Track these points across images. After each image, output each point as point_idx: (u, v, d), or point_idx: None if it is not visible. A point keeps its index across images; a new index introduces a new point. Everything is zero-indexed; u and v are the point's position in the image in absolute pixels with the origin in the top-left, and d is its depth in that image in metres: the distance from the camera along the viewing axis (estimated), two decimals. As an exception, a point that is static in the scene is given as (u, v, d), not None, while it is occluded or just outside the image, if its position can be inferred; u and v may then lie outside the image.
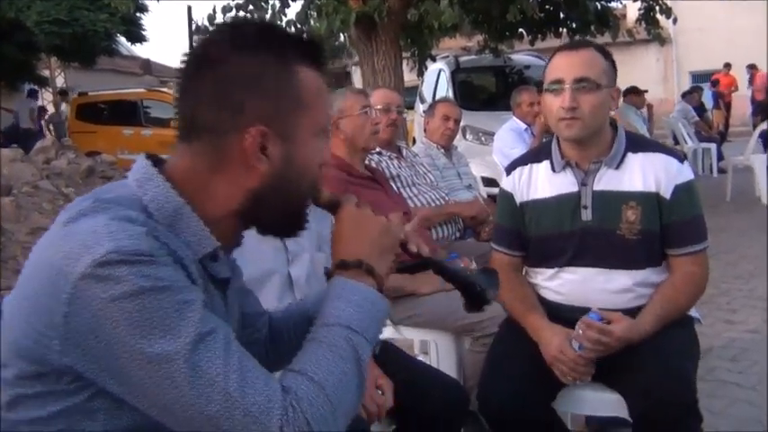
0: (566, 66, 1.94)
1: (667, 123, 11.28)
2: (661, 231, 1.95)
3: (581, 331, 1.88)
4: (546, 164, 2.07)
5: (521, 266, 2.20)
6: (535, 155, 2.15)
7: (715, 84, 15.79)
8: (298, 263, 1.91)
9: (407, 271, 2.58)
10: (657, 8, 9.04)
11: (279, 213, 1.08)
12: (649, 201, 1.94)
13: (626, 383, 1.88)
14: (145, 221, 0.97)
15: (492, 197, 4.71)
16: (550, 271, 2.08)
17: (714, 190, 8.73)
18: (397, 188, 3.22)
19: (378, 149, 3.30)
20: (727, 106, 15.29)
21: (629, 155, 1.98)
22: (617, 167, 1.97)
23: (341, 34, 8.82)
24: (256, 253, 1.82)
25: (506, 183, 2.16)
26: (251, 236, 1.80)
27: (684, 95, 11.54)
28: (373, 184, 2.78)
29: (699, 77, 18.94)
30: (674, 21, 8.90)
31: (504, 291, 2.11)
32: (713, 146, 10.94)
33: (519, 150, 5.13)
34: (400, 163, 3.37)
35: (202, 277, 1.03)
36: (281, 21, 7.84)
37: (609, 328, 1.86)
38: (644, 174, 1.95)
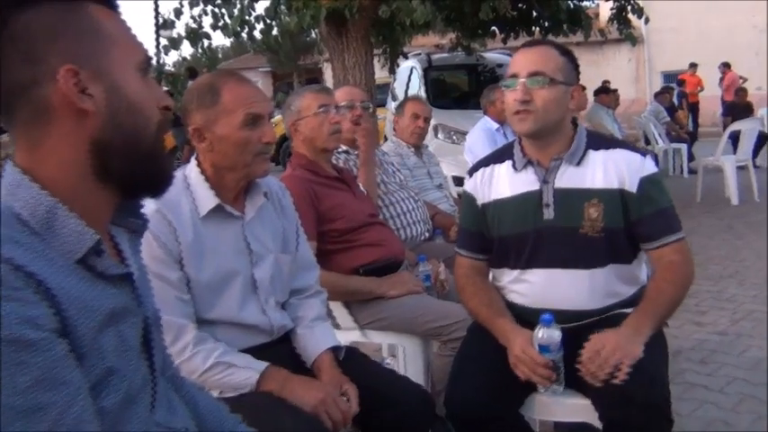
0: (521, 61, 1.97)
1: (639, 123, 11.40)
2: (626, 228, 1.96)
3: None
4: (508, 164, 2.09)
5: (485, 270, 2.19)
6: (498, 156, 2.15)
7: (681, 83, 16.01)
8: (262, 264, 1.89)
9: (375, 273, 2.62)
10: (629, 8, 9.11)
11: (131, 159, 1.01)
12: (612, 197, 1.95)
13: (597, 388, 1.86)
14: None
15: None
16: (514, 272, 2.07)
17: (685, 191, 8.85)
18: (365, 187, 3.20)
19: (345, 148, 3.28)
20: (693, 106, 15.48)
21: (591, 152, 2.00)
22: (578, 164, 1.98)
23: (311, 30, 8.77)
24: (216, 254, 1.80)
25: (468, 185, 2.17)
26: (210, 237, 1.79)
27: (656, 96, 11.68)
28: (340, 184, 2.76)
29: (670, 77, 19.16)
30: (646, 21, 8.98)
31: (470, 296, 2.13)
32: (684, 146, 11.09)
33: (490, 150, 5.14)
34: (368, 162, 3.34)
35: (88, 281, 0.95)
36: (250, 16, 7.77)
37: (602, 355, 1.76)
38: (605, 170, 1.96)
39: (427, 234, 3.42)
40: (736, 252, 5.81)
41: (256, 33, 7.89)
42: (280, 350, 1.90)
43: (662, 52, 22.43)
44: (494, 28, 9.25)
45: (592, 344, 1.79)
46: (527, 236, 2.01)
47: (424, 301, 2.58)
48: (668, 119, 11.02)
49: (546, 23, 8.94)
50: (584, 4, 9.60)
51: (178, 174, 1.86)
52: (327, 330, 2.01)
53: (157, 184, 1.06)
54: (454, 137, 8.05)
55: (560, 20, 8.46)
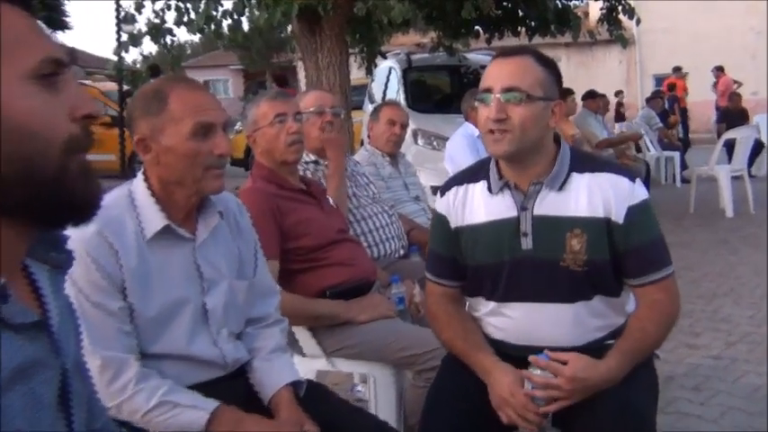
0: (496, 74, 1.87)
1: (630, 129, 11.45)
2: (612, 261, 1.88)
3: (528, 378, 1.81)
4: (483, 185, 1.99)
5: (459, 298, 2.11)
6: (472, 173, 2.05)
7: (672, 88, 16.14)
8: (214, 291, 1.81)
9: (343, 296, 2.55)
10: (620, 8, 9.15)
11: (30, 190, 0.88)
12: (597, 227, 1.86)
13: (579, 426, 1.82)
14: None
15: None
16: (491, 304, 2.00)
17: (677, 201, 8.89)
18: (334, 201, 3.13)
19: (314, 158, 3.21)
20: (684, 112, 15.62)
21: (574, 175, 1.90)
22: (560, 189, 1.89)
23: (283, 27, 8.71)
24: (163, 280, 1.72)
25: (440, 204, 2.06)
26: (157, 261, 1.71)
27: (648, 101, 11.75)
28: (307, 197, 2.70)
29: (662, 81, 19.30)
30: (638, 22, 9.02)
31: (443, 327, 2.06)
32: (677, 154, 11.16)
33: (471, 158, 5.10)
34: (339, 172, 3.28)
35: None
36: (217, 11, 7.69)
37: (558, 366, 1.79)
38: (590, 196, 1.87)
39: (402, 251, 3.36)
40: (731, 268, 5.82)
41: (224, 30, 7.81)
42: (234, 386, 1.83)
43: (654, 54, 22.68)
44: (477, 27, 9.24)
45: (560, 369, 1.78)
46: (502, 267, 1.93)
47: (397, 327, 2.53)
48: (660, 125, 11.09)
49: (532, 23, 8.95)
50: (573, 3, 9.64)
51: (122, 190, 1.78)
52: (287, 363, 1.94)
53: (76, 211, 0.95)
54: (435, 143, 8.01)
55: (547, 19, 8.48)
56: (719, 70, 17.45)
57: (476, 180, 2.01)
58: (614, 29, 9.15)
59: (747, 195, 8.33)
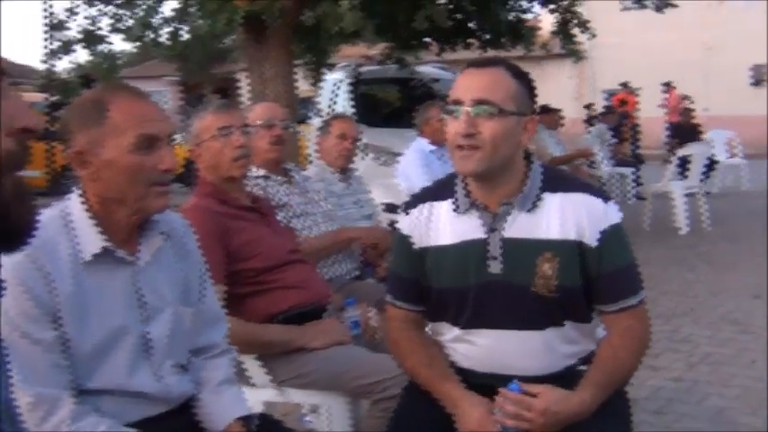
0: (466, 85, 1.84)
1: (582, 145, 11.62)
2: (584, 286, 1.86)
3: (500, 407, 1.77)
4: (449, 203, 1.95)
5: (422, 322, 2.06)
6: (437, 191, 2.01)
7: (623, 103, 16.49)
8: (157, 319, 1.73)
9: (295, 321, 2.49)
10: (574, 21, 9.32)
11: None
12: (569, 251, 1.84)
13: None
14: None
15: (394, 225, 4.64)
16: (455, 331, 1.96)
17: (631, 218, 9.00)
18: (286, 219, 3.09)
19: (263, 172, 3.15)
20: (635, 128, 15.98)
21: (546, 195, 1.88)
22: (531, 210, 1.86)
23: (226, 36, 8.62)
24: (102, 308, 1.64)
25: (403, 223, 2.02)
26: (95, 287, 1.62)
27: (601, 116, 11.94)
28: (255, 215, 2.64)
29: (613, 96, 19.73)
30: (592, 35, 9.19)
31: (406, 354, 2.01)
32: (630, 170, 11.34)
33: (425, 175, 5.09)
34: (290, 189, 3.23)
35: None
36: (155, 18, 7.56)
37: (529, 400, 1.75)
38: (563, 218, 1.84)
39: (356, 272, 3.34)
40: (688, 287, 5.92)
41: (162, 38, 7.68)
42: (179, 422, 1.76)
43: (604, 69, 23.14)
44: (428, 39, 9.29)
45: (532, 403, 1.75)
46: (468, 291, 1.89)
47: (352, 353, 2.48)
48: (614, 141, 11.27)
49: (485, 36, 9.04)
50: (526, 15, 9.77)
51: (55, 210, 1.69)
52: (237, 396, 1.87)
53: (8, 236, 0.88)
54: (385, 158, 7.99)
55: (500, 32, 8.58)
56: (668, 86, 17.94)
57: (441, 198, 1.97)
58: (567, 42, 9.30)
59: (702, 212, 8.50)
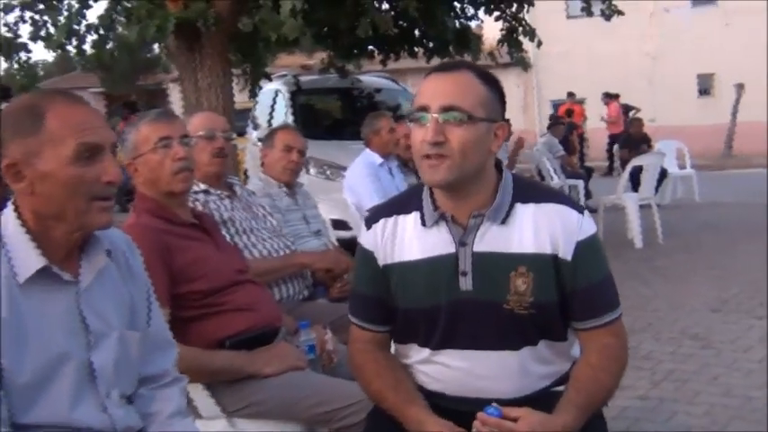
0: (433, 91, 1.81)
1: (531, 157, 11.79)
2: (560, 301, 1.85)
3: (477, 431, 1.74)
4: (415, 216, 1.92)
5: (387, 343, 2.04)
6: (403, 203, 1.98)
7: (570, 113, 16.85)
8: (102, 345, 1.66)
9: (245, 346, 2.43)
10: (520, 29, 9.44)
11: None
12: (543, 265, 1.82)
13: None
14: None
15: (343, 242, 4.61)
16: (424, 351, 1.93)
17: (584, 232, 9.16)
18: (230, 236, 3.04)
19: (203, 187, 3.09)
20: (581, 139, 16.34)
21: (518, 206, 1.86)
22: (503, 222, 1.85)
23: (155, 45, 8.49)
24: (40, 334, 1.57)
25: (366, 238, 1.98)
26: (33, 311, 1.55)
27: (550, 127, 12.14)
28: (199, 233, 2.60)
29: (560, 107, 20.10)
30: (539, 44, 9.32)
31: (371, 377, 1.98)
32: (580, 182, 11.55)
33: (375, 189, 5.08)
34: (233, 204, 3.18)
35: None
36: (80, 25, 7.40)
37: (509, 424, 1.73)
38: (536, 230, 1.83)
39: (306, 293, 3.29)
40: (646, 302, 6.01)
41: (87, 46, 7.51)
42: (126, 459, 1.67)
43: (550, 79, 23.59)
44: (372, 47, 9.31)
45: (513, 428, 1.73)
46: (438, 310, 1.86)
47: (309, 379, 2.45)
48: (563, 152, 11.48)
49: (430, 44, 9.10)
50: (472, 23, 9.88)
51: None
52: (189, 429, 1.80)
53: None
54: (329, 172, 7.96)
55: (447, 40, 8.63)
56: (609, 97, 18.40)
57: (407, 211, 1.94)
58: (515, 51, 9.41)
59: (655, 225, 8.67)
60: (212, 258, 2.52)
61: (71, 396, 1.59)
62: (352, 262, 3.49)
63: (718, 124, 21.20)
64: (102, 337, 1.66)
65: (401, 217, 1.94)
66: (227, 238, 2.98)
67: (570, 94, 19.09)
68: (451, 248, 1.86)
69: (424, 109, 1.79)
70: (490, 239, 1.84)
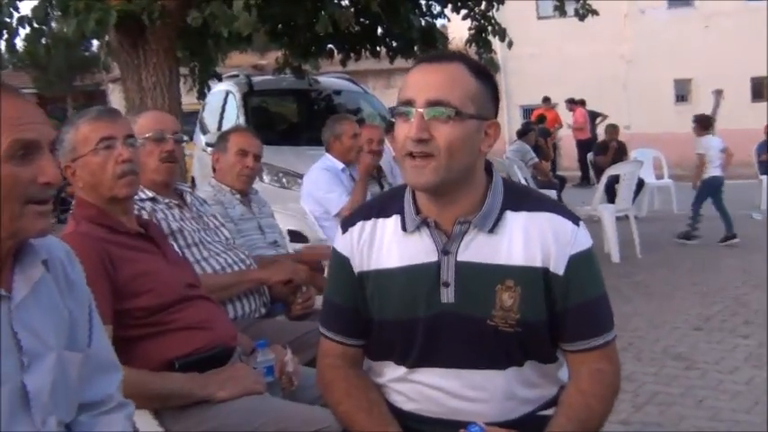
0: (419, 83, 1.79)
1: (501, 165, 11.85)
2: (550, 320, 1.83)
3: None
4: (395, 220, 1.90)
5: (360, 359, 2.01)
6: (382, 206, 1.96)
7: (541, 120, 17.02)
8: (37, 367, 1.59)
9: (197, 368, 2.37)
10: (490, 29, 9.49)
11: None
12: (533, 280, 1.80)
13: None
14: None
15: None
16: (400, 370, 1.91)
17: (558, 245, 9.22)
18: (179, 249, 2.98)
19: (151, 194, 3.03)
20: (553, 147, 16.51)
21: (508, 213, 1.84)
22: (491, 230, 1.82)
23: (93, 41, 8.36)
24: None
25: (341, 242, 1.97)
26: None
27: (520, 134, 12.21)
28: (146, 244, 2.55)
29: (531, 112, 20.28)
30: (510, 44, 9.37)
31: (340, 396, 1.94)
32: (553, 193, 11.62)
33: (336, 196, 5.04)
34: (182, 213, 3.13)
35: None
36: (11, 18, 7.25)
37: None
38: (527, 241, 1.81)
39: (263, 310, 3.26)
40: (626, 320, 6.04)
41: (19, 41, 7.38)
42: (64, 495, 1.60)
43: (520, 83, 23.78)
44: (331, 46, 9.28)
45: None
46: (416, 324, 1.84)
47: (266, 404, 2.39)
48: (536, 160, 11.54)
49: (394, 43, 9.10)
50: (439, 22, 9.92)
51: None
52: (137, 461, 1.73)
53: None
54: (284, 180, 7.91)
55: (412, 39, 8.63)
56: (574, 102, 18.65)
57: (387, 214, 1.92)
58: (484, 52, 9.46)
59: (633, 238, 8.75)
60: (160, 271, 2.47)
61: (3, 423, 1.52)
62: (309, 273, 3.47)
63: (696, 132, 21.53)
64: (38, 358, 1.59)
65: (380, 220, 1.92)
66: (177, 249, 2.91)
67: (546, 99, 19.27)
68: (433, 257, 1.84)
69: (409, 103, 1.77)
70: (476, 249, 1.82)
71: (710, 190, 9.58)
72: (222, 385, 2.36)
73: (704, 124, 10.34)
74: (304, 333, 2.97)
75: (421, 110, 1.75)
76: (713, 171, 9.69)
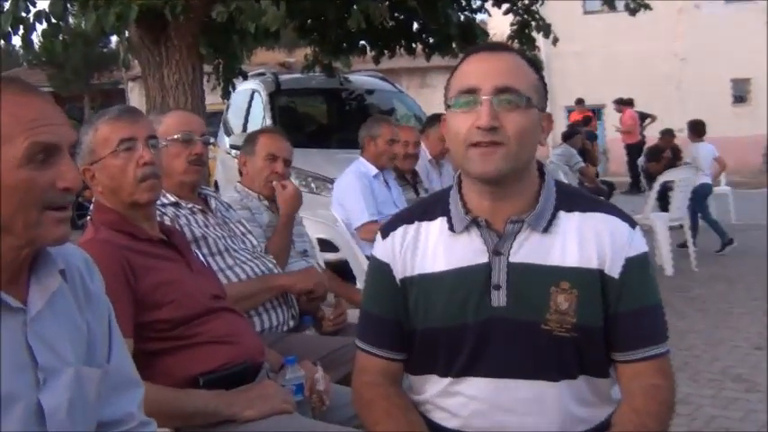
0: (483, 71, 1.83)
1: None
2: (606, 326, 1.84)
3: None
4: (441, 222, 1.93)
5: (400, 377, 2.02)
6: (426, 209, 1.99)
7: (588, 121, 16.94)
8: (54, 384, 1.61)
9: (222, 385, 2.38)
10: (533, 24, 9.47)
11: None
12: (590, 282, 1.82)
13: None
14: None
15: (330, 266, 4.55)
16: (443, 382, 1.91)
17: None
18: (203, 256, 2.98)
19: (173, 199, 3.04)
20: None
21: (562, 214, 1.87)
22: (545, 230, 1.85)
23: (112, 37, 8.45)
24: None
25: (380, 248, 1.99)
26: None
27: (566, 137, 12.14)
28: (169, 252, 2.56)
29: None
30: (555, 41, 9.35)
31: (379, 415, 1.93)
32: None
33: (360, 209, 5.04)
34: (207, 219, 3.14)
35: None
36: (29, 13, 7.35)
37: None
38: (582, 242, 1.84)
39: (292, 323, 3.25)
40: (681, 338, 5.98)
41: (35, 37, 7.47)
42: None
43: (564, 82, 23.69)
44: (363, 42, 9.30)
45: None
46: (464, 330, 1.85)
47: (295, 424, 2.39)
48: (582, 164, 11.47)
49: (430, 39, 9.11)
50: (479, 16, 9.90)
51: None
52: (159, 484, 1.74)
53: None
54: (313, 185, 7.92)
55: (450, 35, 8.62)
56: (622, 103, 18.50)
57: (431, 217, 1.95)
58: (527, 49, 9.44)
59: (688, 249, 8.67)
60: (184, 281, 2.48)
61: (17, 441, 1.53)
62: (339, 284, 3.45)
63: (756, 135, 21.36)
64: (54, 375, 1.59)
65: (424, 224, 1.95)
66: (201, 258, 2.92)
67: (579, 101, 19.16)
68: (483, 258, 1.86)
69: (473, 91, 1.80)
70: (529, 249, 1.84)
71: (698, 197, 9.82)
72: (249, 404, 2.36)
73: (697, 131, 10.77)
74: (336, 349, 2.97)
75: (488, 97, 1.78)
76: (702, 178, 9.97)
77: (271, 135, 4.01)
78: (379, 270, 1.98)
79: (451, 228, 1.90)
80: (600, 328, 1.83)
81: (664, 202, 9.51)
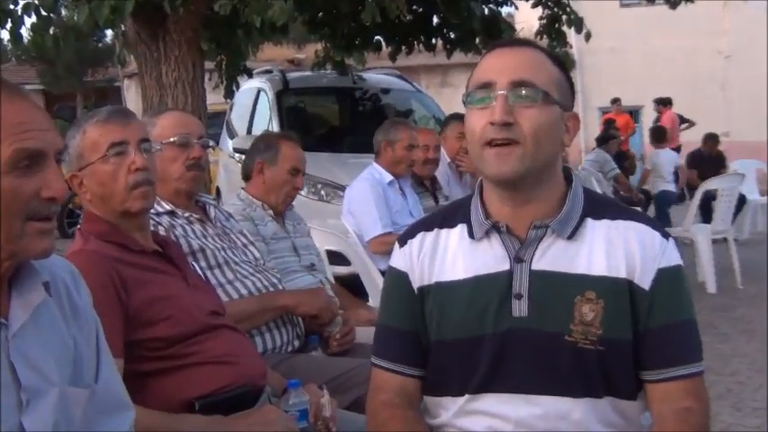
0: (500, 65, 1.88)
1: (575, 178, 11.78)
2: (635, 343, 1.86)
3: None
4: (461, 228, 1.97)
5: (418, 399, 2.04)
6: (445, 216, 2.04)
7: (610, 124, 16.87)
8: (37, 406, 1.63)
9: (221, 409, 2.39)
10: (564, 18, 9.45)
11: None
12: (617, 292, 1.85)
13: None
14: None
15: (340, 280, 4.56)
16: (459, 401, 1.93)
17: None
18: (201, 269, 3.00)
19: (169, 207, 3.06)
20: (624, 156, 16.32)
21: (589, 221, 1.90)
22: (570, 237, 1.88)
23: (106, 31, 8.51)
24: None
25: (398, 258, 2.04)
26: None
27: (600, 142, 12.13)
28: (164, 264, 2.58)
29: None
30: (587, 36, 9.32)
31: None
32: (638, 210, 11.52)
33: (372, 221, 5.04)
34: (205, 229, 3.15)
35: None
36: (17, 5, 7.42)
37: None
38: (610, 250, 1.87)
39: (297, 343, 3.27)
40: (724, 363, 5.97)
41: (24, 31, 7.54)
42: None
43: (598, 81, 23.67)
44: (378, 38, 9.32)
45: None
46: (482, 343, 1.88)
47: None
48: (617, 171, 11.45)
49: (451, 34, 9.11)
50: (505, 10, 9.90)
51: None
52: None
53: None
54: (323, 192, 7.92)
55: (472, 29, 8.62)
56: (662, 103, 18.40)
57: (451, 224, 1.99)
58: (557, 45, 9.43)
59: (733, 264, 8.63)
60: (180, 296, 2.50)
61: (-2, 469, 1.55)
62: (352, 300, 3.44)
63: (807, 141, 21.22)
64: (38, 396, 1.62)
65: (444, 231, 2.00)
66: (198, 271, 2.94)
67: (615, 101, 19.11)
68: (505, 265, 1.89)
69: (488, 86, 1.84)
70: (553, 257, 1.88)
71: (660, 204, 10.32)
72: (250, 429, 2.37)
73: (657, 136, 11.36)
74: (344, 371, 2.99)
75: (503, 92, 1.82)
76: (664, 185, 10.55)
77: (294, 145, 4.02)
78: (397, 280, 2.02)
79: (471, 234, 1.93)
80: (627, 342, 1.85)
81: (707, 213, 9.49)
